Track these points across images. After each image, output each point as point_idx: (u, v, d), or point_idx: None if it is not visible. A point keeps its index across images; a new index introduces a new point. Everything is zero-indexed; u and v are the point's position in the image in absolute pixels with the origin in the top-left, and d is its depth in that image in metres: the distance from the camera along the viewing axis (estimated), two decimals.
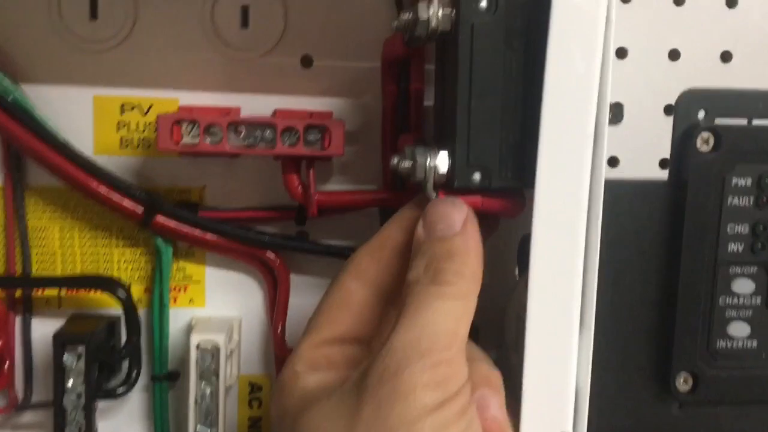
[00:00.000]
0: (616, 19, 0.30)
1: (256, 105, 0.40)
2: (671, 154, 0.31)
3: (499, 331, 0.42)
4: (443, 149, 0.31)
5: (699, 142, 0.30)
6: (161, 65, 0.40)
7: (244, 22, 0.40)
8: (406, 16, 0.30)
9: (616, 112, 0.30)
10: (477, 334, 0.41)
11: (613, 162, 0.38)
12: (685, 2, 0.41)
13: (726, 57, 0.40)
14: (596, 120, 0.30)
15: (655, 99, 0.37)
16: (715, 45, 0.40)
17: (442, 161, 0.31)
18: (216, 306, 0.43)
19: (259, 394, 0.44)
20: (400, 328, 0.28)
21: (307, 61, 0.41)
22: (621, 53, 0.39)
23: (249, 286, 0.43)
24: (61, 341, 0.38)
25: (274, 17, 0.40)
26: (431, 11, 0.30)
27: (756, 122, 0.30)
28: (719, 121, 0.30)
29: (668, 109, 0.35)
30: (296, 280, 0.42)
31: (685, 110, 0.30)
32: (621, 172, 0.37)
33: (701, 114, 0.30)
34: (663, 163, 0.32)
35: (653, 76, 0.38)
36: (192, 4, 0.39)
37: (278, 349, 0.41)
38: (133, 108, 0.40)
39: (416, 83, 0.40)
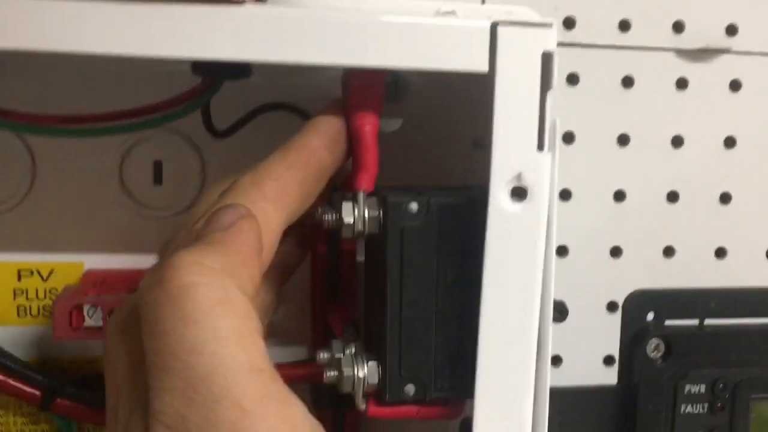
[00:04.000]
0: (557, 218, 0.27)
1: None
2: (620, 358, 0.28)
3: None
4: (372, 359, 0.28)
5: (649, 349, 0.28)
6: (64, 226, 0.36)
7: (157, 179, 0.36)
8: (329, 216, 0.28)
9: (562, 310, 0.28)
10: None
11: (555, 360, 0.36)
12: (626, 197, 0.41)
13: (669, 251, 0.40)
14: (540, 323, 0.28)
15: (599, 295, 0.36)
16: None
17: (371, 373, 0.28)
18: None
19: None
20: None
21: None
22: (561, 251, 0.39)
23: None
24: None
25: (189, 173, 0.36)
26: (356, 213, 0.27)
27: (708, 322, 0.29)
28: (670, 322, 0.28)
29: (612, 306, 0.33)
30: None
31: (634, 311, 0.28)
32: (563, 372, 0.35)
33: (650, 315, 0.28)
34: (608, 360, 0.30)
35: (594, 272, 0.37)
36: (99, 160, 0.36)
37: None
38: (31, 273, 0.36)
39: (348, 243, 0.37)
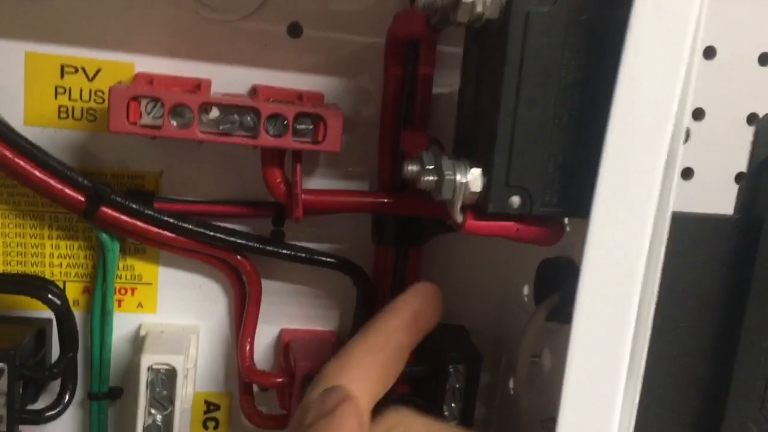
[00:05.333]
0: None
1: (229, 78, 0.34)
2: (744, 188, 0.26)
3: (495, 356, 0.38)
4: (476, 165, 0.25)
5: None
6: (116, 21, 0.32)
7: None
8: None
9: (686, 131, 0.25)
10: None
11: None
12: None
13: None
14: (672, 135, 0.25)
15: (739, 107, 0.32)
16: None
17: (475, 180, 0.25)
18: (169, 312, 0.36)
19: (216, 413, 0.38)
20: None
21: (295, 30, 0.34)
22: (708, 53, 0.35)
23: (210, 290, 0.36)
24: None
25: None
26: None
27: None
28: None
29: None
30: (265, 286, 0.36)
31: (766, 138, 0.25)
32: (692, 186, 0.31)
33: None
34: (739, 177, 0.27)
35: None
36: None
37: (244, 368, 0.35)
38: (76, 70, 0.33)
39: (425, 67, 0.33)
